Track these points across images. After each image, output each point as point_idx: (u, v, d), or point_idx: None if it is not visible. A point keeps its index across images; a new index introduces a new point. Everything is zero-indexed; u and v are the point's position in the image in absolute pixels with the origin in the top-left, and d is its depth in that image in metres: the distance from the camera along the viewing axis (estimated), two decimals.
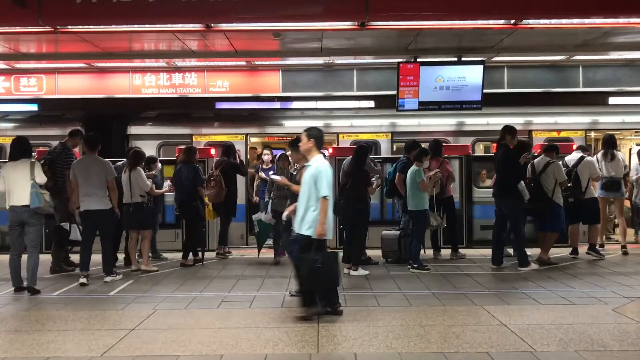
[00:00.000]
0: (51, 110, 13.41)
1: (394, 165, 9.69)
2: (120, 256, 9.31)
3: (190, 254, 9.39)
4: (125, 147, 13.17)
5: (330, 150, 11.24)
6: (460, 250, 9.76)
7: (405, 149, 9.53)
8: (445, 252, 9.75)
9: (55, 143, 12.87)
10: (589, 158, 9.73)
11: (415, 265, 8.53)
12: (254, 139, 13.70)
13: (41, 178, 7.38)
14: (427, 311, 6.21)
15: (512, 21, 8.41)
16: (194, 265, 9.22)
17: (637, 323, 5.70)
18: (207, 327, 5.70)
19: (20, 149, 7.50)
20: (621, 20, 8.51)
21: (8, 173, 7.42)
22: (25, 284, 7.36)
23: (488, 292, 7.09)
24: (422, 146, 9.26)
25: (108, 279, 8.01)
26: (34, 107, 13.40)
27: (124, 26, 8.47)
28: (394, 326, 5.68)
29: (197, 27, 8.49)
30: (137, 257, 8.94)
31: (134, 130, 13.13)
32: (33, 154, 8.03)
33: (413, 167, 8.75)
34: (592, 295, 6.83)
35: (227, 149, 10.33)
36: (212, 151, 11.23)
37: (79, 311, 6.46)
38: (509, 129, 8.70)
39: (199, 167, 9.46)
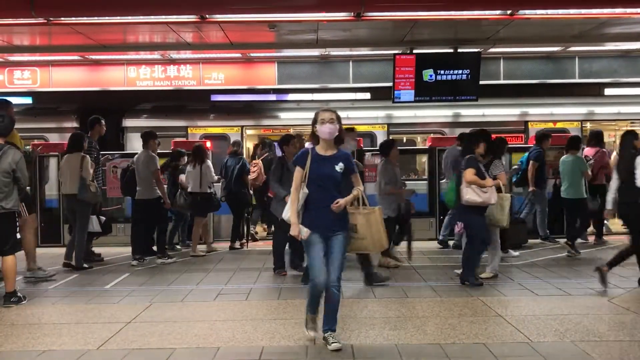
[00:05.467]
0: (45, 103, 13.34)
1: (527, 154, 9.91)
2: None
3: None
4: (120, 140, 13.15)
5: None
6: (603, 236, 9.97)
7: (537, 139, 9.88)
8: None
9: (50, 135, 12.72)
10: None
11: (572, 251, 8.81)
12: (249, 131, 13.66)
13: (86, 172, 8.24)
14: (423, 303, 6.22)
15: (509, 12, 8.38)
16: (241, 248, 10.08)
17: (632, 313, 5.72)
18: (203, 320, 5.69)
19: (73, 144, 8.53)
20: (617, 10, 8.49)
21: (62, 164, 8.66)
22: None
23: (484, 283, 7.09)
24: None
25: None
26: (28, 100, 13.34)
27: (118, 18, 8.40)
28: (390, 318, 5.69)
29: (191, 18, 8.41)
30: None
31: (128, 122, 13.07)
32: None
33: (570, 157, 9.01)
34: (588, 286, 6.85)
35: (270, 146, 10.92)
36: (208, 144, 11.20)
37: (75, 304, 6.46)
38: None
39: (244, 157, 10.26)
